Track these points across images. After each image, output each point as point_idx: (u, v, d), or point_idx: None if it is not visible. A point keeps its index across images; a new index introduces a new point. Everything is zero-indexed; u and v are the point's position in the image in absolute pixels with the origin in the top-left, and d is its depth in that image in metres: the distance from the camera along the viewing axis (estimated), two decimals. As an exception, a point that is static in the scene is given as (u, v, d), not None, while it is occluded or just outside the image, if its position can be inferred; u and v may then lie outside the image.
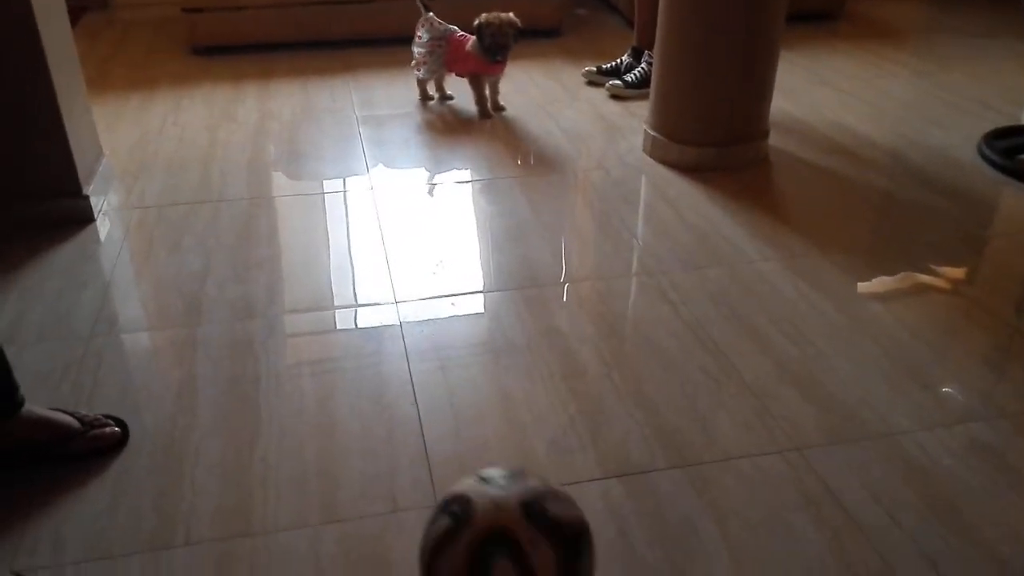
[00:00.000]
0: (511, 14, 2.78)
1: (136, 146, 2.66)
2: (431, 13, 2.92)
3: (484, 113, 2.90)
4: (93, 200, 2.19)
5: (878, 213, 2.29)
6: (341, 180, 2.48)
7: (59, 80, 2.07)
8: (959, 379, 1.61)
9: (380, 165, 2.57)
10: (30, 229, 2.11)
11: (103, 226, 2.19)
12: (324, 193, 2.40)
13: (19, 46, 1.97)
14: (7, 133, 2.05)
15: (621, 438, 1.46)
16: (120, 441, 1.43)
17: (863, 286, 1.93)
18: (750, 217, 2.22)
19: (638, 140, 2.66)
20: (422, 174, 2.55)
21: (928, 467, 1.39)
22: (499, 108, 2.95)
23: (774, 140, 2.61)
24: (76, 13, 3.75)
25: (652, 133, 2.57)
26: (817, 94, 3.12)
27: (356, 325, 1.82)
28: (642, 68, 3.09)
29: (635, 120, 2.83)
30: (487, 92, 2.92)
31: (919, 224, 2.20)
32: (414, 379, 1.62)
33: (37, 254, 2.04)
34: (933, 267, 1.99)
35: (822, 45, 3.70)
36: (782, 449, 1.43)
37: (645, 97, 2.71)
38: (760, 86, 2.47)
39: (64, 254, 2.05)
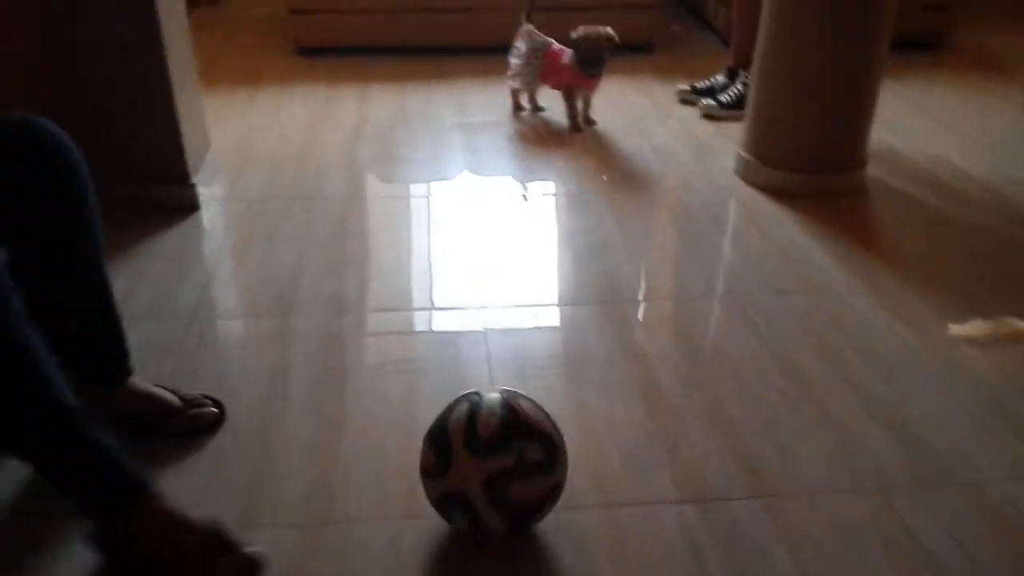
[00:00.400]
0: (608, 28, 2.80)
1: (240, 140, 2.77)
2: (530, 25, 2.96)
3: (575, 126, 2.93)
4: (199, 189, 2.30)
5: (976, 253, 2.22)
6: (433, 184, 2.54)
7: (175, 71, 2.17)
8: (1055, 430, 1.55)
9: (471, 172, 2.62)
10: (140, 213, 2.22)
11: (207, 215, 2.29)
12: (415, 196, 2.46)
13: (141, 36, 2.08)
14: (125, 118, 2.16)
15: (699, 461, 1.46)
16: (217, 421, 1.50)
17: (957, 327, 1.87)
18: (843, 247, 2.18)
19: (730, 161, 2.64)
20: (512, 183, 2.59)
21: (1016, 518, 1.35)
22: (590, 122, 2.97)
23: (872, 169, 2.56)
24: (188, 7, 3.92)
25: (745, 155, 2.55)
26: (918, 125, 3.04)
27: (441, 328, 1.87)
28: (737, 89, 3.07)
29: (728, 141, 2.81)
30: (579, 105, 2.94)
31: (1019, 267, 2.13)
32: (495, 385, 1.64)
33: (146, 237, 2.14)
34: (1033, 312, 1.93)
35: (926, 75, 3.60)
36: (864, 487, 1.40)
37: (739, 118, 2.69)
38: (860, 114, 2.43)
39: (170, 239, 2.15)
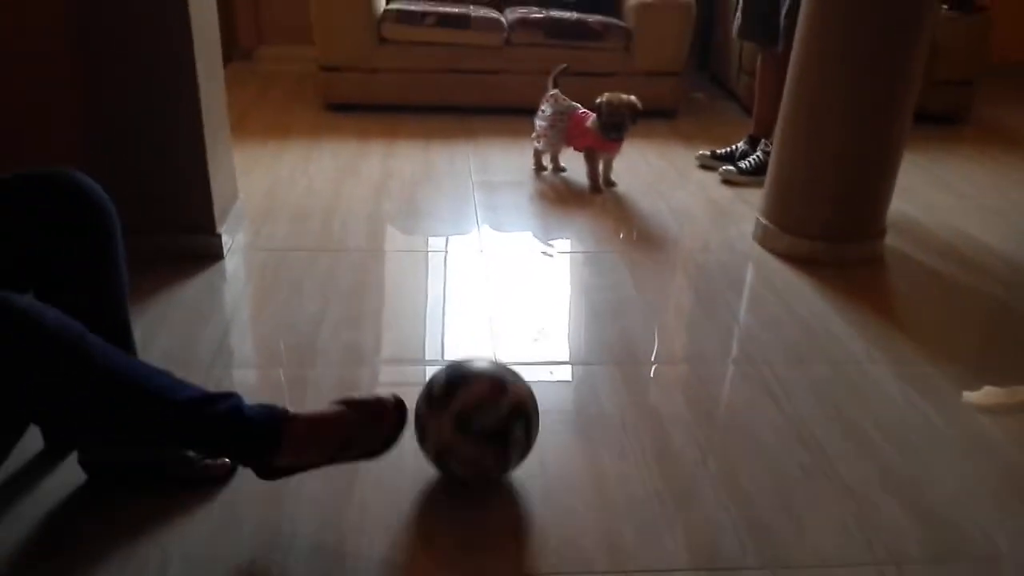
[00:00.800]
0: (632, 96, 2.86)
1: (267, 191, 2.83)
2: (557, 90, 3.03)
3: (595, 188, 2.97)
4: (224, 238, 2.34)
5: (994, 325, 2.21)
6: (453, 240, 2.57)
7: (209, 124, 2.23)
8: (1077, 510, 1.52)
9: (491, 228, 2.65)
10: (165, 260, 2.26)
11: (230, 264, 2.32)
12: (435, 251, 2.49)
13: (178, 87, 2.14)
14: (157, 167, 2.22)
15: (712, 528, 1.44)
16: (229, 472, 1.50)
17: (973, 397, 1.86)
18: (860, 316, 2.18)
19: (749, 227, 2.66)
20: (530, 241, 2.62)
21: (1038, 600, 1.32)
22: (610, 184, 3.02)
23: (891, 240, 2.57)
24: (223, 61, 4.03)
25: (764, 222, 2.57)
26: (937, 197, 3.06)
27: (456, 383, 1.87)
28: (757, 156, 3.10)
29: (747, 207, 2.84)
30: (600, 168, 2.99)
31: (1040, 341, 2.12)
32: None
33: (169, 284, 2.18)
34: (1053, 387, 1.91)
35: (946, 148, 3.63)
36: (879, 561, 1.38)
37: (758, 185, 2.72)
38: (880, 184, 2.45)
39: (193, 287, 2.18)
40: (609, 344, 2.02)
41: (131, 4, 2.05)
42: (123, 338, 1.39)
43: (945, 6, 3.74)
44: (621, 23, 3.76)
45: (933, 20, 2.31)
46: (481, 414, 1.40)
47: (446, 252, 2.48)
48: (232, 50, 4.42)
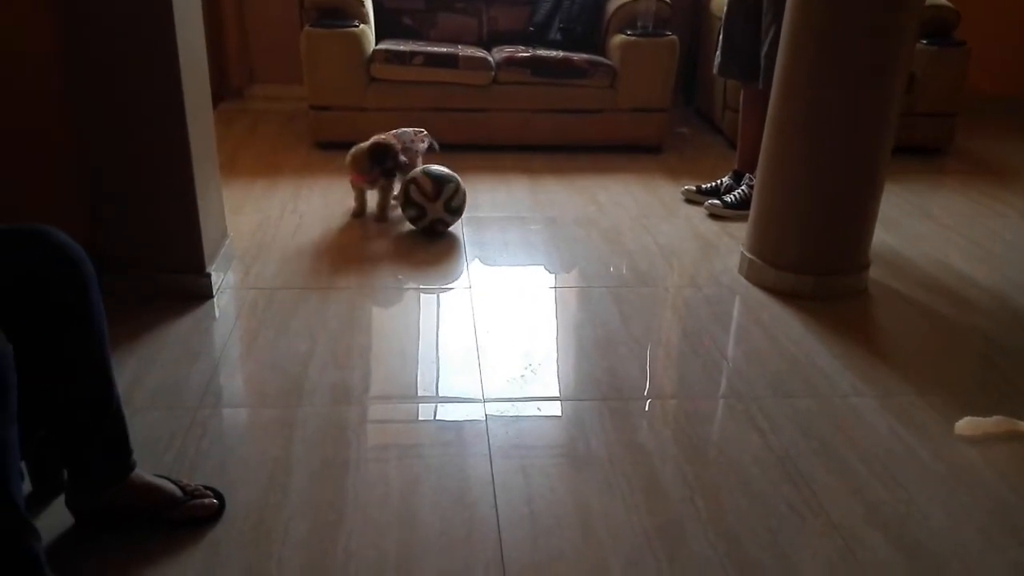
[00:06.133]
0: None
1: (257, 230, 2.84)
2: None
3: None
4: (214, 277, 2.35)
5: (979, 357, 2.23)
6: (441, 277, 2.58)
7: (198, 164, 2.25)
8: (1063, 542, 1.53)
9: (479, 264, 2.67)
10: (155, 299, 2.27)
11: (219, 303, 2.33)
12: (424, 288, 2.50)
13: (167, 129, 2.16)
14: (147, 209, 2.24)
15: (700, 566, 1.44)
16: (216, 513, 1.49)
17: (957, 429, 1.87)
18: (846, 349, 2.20)
19: (734, 261, 2.69)
20: (518, 277, 2.63)
21: (1025, 634, 1.32)
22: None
23: (874, 272, 2.59)
24: (214, 101, 4.06)
25: (749, 256, 2.60)
26: (921, 229, 3.09)
27: (444, 419, 1.87)
28: (742, 190, 3.14)
29: (732, 241, 2.87)
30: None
31: (1019, 370, 2.13)
32: (495, 480, 1.64)
33: (157, 324, 2.18)
34: (1038, 419, 1.92)
35: (928, 180, 3.67)
36: (867, 597, 1.38)
37: (743, 219, 2.74)
38: (863, 217, 2.48)
39: (181, 326, 2.19)
40: (597, 380, 2.03)
41: (120, 47, 2.07)
42: (104, 386, 1.39)
43: (923, 41, 3.81)
44: (606, 61, 3.81)
45: (909, 55, 2.36)
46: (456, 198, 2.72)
47: (434, 289, 2.50)
48: (223, 89, 4.46)
